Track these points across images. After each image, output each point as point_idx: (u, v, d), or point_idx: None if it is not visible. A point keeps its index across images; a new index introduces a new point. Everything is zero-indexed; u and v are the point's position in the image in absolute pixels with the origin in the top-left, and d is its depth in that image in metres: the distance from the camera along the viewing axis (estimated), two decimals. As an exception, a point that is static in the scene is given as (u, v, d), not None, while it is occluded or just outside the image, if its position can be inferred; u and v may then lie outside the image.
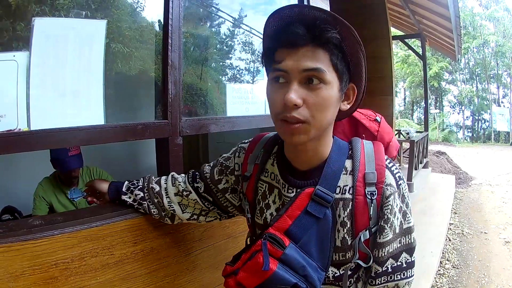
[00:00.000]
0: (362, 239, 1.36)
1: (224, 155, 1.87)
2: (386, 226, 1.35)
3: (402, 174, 1.43)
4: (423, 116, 15.99)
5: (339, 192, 1.39)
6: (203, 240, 2.29)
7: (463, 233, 8.12)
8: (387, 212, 1.35)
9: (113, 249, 1.89)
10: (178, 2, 2.27)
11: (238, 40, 4.42)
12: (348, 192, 1.38)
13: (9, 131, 1.75)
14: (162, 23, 2.29)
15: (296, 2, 3.45)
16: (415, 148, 9.64)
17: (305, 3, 3.42)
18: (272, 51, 1.36)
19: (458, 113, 40.15)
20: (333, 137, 1.48)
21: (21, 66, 1.83)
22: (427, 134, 12.16)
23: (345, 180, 1.40)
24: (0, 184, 4.81)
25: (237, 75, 4.24)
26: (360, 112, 1.74)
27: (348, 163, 1.43)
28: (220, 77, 4.48)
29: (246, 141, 1.80)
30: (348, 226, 1.38)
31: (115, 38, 3.29)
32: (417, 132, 12.90)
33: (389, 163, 1.42)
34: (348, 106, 1.43)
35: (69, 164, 3.81)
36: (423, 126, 14.55)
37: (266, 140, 1.69)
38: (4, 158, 4.24)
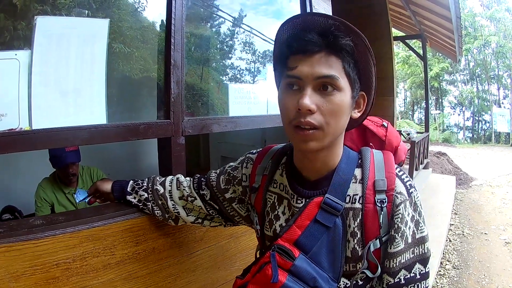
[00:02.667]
0: (372, 249, 1.34)
1: (231, 164, 1.86)
2: (397, 235, 1.32)
3: (414, 182, 1.41)
4: (423, 117, 15.98)
5: (349, 201, 1.38)
6: (205, 240, 2.28)
7: (463, 234, 8.13)
8: (398, 221, 1.32)
9: (114, 249, 1.88)
10: (180, 2, 2.27)
11: (239, 40, 4.43)
12: (358, 202, 1.37)
13: (10, 130, 1.74)
14: (165, 22, 2.28)
15: (298, 5, 3.44)
16: (415, 149, 9.64)
17: (307, 4, 3.40)
18: (285, 58, 1.36)
19: (459, 114, 40.17)
20: (343, 146, 1.48)
21: (22, 64, 1.82)
22: (428, 135, 12.14)
23: (354, 188, 1.39)
24: (0, 184, 4.80)
25: (239, 75, 4.25)
26: (367, 119, 1.69)
27: (357, 172, 1.42)
28: (222, 77, 4.48)
29: (254, 151, 1.79)
30: (359, 236, 1.36)
31: (116, 38, 3.28)
32: (417, 133, 12.87)
33: (399, 172, 1.40)
34: (359, 115, 1.43)
35: (66, 159, 3.81)
36: (423, 126, 14.53)
37: (275, 152, 1.68)
38: (4, 157, 4.23)
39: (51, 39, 1.93)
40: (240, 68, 4.27)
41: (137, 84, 5.12)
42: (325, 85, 1.28)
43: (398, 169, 1.41)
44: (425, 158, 11.93)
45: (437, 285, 5.85)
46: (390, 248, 1.33)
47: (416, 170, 10.04)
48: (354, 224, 1.36)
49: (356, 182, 1.40)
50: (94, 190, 2.08)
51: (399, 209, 1.33)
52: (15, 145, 1.72)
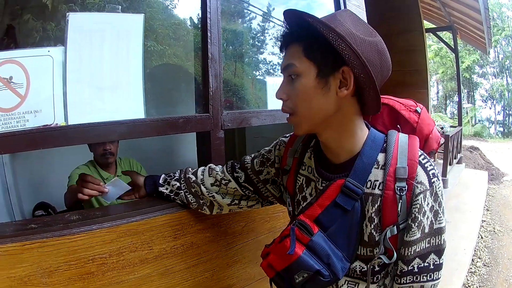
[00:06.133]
0: (389, 235, 1.36)
1: (265, 148, 1.91)
2: (413, 225, 1.34)
3: (438, 171, 1.40)
4: (455, 111, 15.73)
5: (370, 187, 1.40)
6: (244, 234, 2.28)
7: (494, 231, 8.05)
8: (415, 211, 1.33)
9: (152, 244, 1.89)
10: (215, -5, 2.27)
11: (270, 36, 4.44)
12: (378, 188, 1.39)
13: (45, 126, 1.75)
14: (201, 17, 2.29)
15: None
16: (449, 143, 9.50)
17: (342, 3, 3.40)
18: None
19: (490, 108, 39.48)
20: (370, 129, 1.49)
21: (56, 61, 1.83)
22: (461, 129, 11.96)
23: (376, 174, 1.40)
24: (34, 180, 4.85)
25: (274, 69, 4.25)
26: (400, 103, 1.69)
27: (381, 157, 1.42)
28: (255, 72, 4.48)
29: (287, 135, 1.83)
30: (376, 221, 1.39)
31: (148, 36, 3.30)
32: (451, 126, 12.67)
33: (423, 159, 1.39)
34: (346, 92, 1.36)
35: None
36: (456, 120, 14.31)
37: (305, 135, 1.72)
38: (37, 153, 4.28)
39: (84, 35, 1.94)
40: (274, 63, 4.26)
41: (170, 80, 5.11)
42: (290, 74, 1.41)
43: (422, 157, 1.40)
44: (459, 153, 11.76)
45: (468, 283, 5.79)
46: (406, 237, 1.36)
47: (450, 165, 9.90)
48: (372, 209, 1.39)
49: (378, 168, 1.41)
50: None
51: (418, 199, 1.33)
52: (51, 140, 1.74)
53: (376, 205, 1.38)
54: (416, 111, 1.67)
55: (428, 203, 1.34)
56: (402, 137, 1.45)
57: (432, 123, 1.70)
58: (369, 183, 1.40)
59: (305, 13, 1.34)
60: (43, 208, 4.13)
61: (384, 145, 1.44)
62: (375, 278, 1.44)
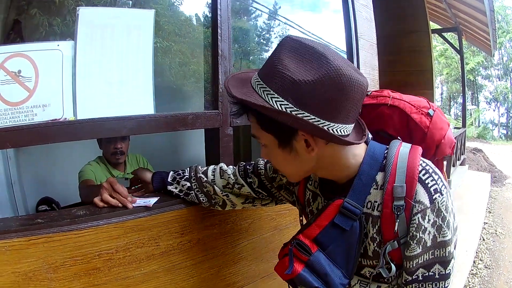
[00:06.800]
0: (390, 249, 1.34)
1: None
2: (412, 242, 1.31)
3: (442, 184, 1.32)
4: (460, 112, 15.71)
5: (370, 207, 1.38)
6: (250, 232, 2.28)
7: (496, 233, 8.08)
8: (413, 229, 1.29)
9: (159, 240, 1.88)
10: (226, -7, 2.27)
11: (276, 34, 4.43)
12: (377, 209, 1.37)
13: (54, 120, 1.75)
14: (211, 14, 2.29)
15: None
16: (453, 145, 9.49)
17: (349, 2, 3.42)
18: None
19: (494, 110, 39.41)
20: (367, 144, 1.44)
21: (65, 55, 1.82)
22: (465, 131, 11.92)
23: (375, 195, 1.37)
24: (38, 175, 4.84)
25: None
26: (412, 105, 1.63)
27: (379, 177, 1.37)
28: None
29: None
30: (378, 240, 1.38)
31: (155, 32, 3.31)
32: (455, 128, 12.64)
33: (423, 175, 1.31)
34: (314, 152, 1.33)
35: None
36: (459, 121, 14.26)
37: None
38: (41, 148, 4.27)
39: (95, 30, 1.92)
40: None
41: (175, 77, 5.10)
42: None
43: (423, 172, 1.32)
44: (462, 155, 11.73)
45: (469, 284, 5.82)
46: (407, 252, 1.34)
47: (454, 166, 9.90)
48: (373, 230, 1.38)
49: (377, 189, 1.37)
50: (134, 177, 2.13)
51: (415, 219, 1.29)
52: (59, 135, 1.74)
53: (377, 226, 1.37)
54: (428, 114, 1.63)
55: (429, 220, 1.29)
56: (404, 150, 1.38)
57: (446, 126, 1.65)
58: (369, 204, 1.38)
59: (237, 97, 1.29)
60: (47, 203, 4.13)
61: (384, 161, 1.38)
62: (386, 279, 1.43)
